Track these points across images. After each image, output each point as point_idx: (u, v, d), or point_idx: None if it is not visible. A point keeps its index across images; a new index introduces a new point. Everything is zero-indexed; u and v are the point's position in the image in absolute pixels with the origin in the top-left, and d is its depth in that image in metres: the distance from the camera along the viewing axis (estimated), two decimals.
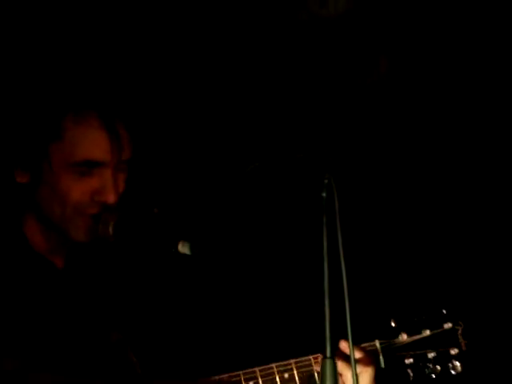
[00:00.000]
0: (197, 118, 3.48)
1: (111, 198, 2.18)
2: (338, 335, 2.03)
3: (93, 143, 2.17)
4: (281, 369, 2.48)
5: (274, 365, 2.48)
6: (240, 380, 2.42)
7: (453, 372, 2.60)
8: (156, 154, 2.28)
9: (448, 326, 2.62)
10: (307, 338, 2.17)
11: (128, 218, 2.16)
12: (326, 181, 2.03)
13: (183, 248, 2.10)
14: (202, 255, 2.10)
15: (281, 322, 3.52)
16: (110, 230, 2.16)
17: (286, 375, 2.48)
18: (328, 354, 2.00)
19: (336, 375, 2.03)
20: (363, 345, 2.57)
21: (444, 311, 2.63)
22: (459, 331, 2.61)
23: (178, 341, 2.43)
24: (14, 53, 2.27)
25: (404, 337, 2.61)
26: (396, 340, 2.61)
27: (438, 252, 3.81)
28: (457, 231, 3.81)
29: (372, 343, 2.60)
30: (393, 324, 2.61)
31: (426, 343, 2.62)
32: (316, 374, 2.48)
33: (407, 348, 2.62)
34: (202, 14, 3.50)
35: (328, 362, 2.01)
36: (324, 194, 2.03)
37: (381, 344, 2.60)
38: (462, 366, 2.59)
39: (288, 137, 3.47)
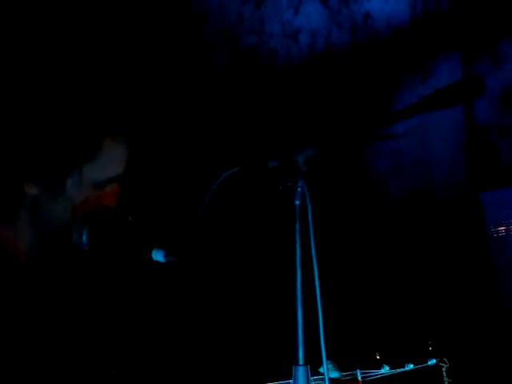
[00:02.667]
0: (171, 124, 3.51)
1: (115, 202, 2.24)
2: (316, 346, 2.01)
3: (120, 162, 2.24)
4: None
5: None
6: None
7: None
8: (131, 161, 2.31)
9: (432, 362, 2.60)
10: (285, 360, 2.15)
11: (102, 226, 2.17)
12: (299, 189, 2.04)
13: (157, 255, 2.10)
14: (177, 263, 2.10)
15: (257, 334, 3.52)
16: (84, 237, 2.17)
17: None
18: (301, 362, 2.00)
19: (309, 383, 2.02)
20: (344, 373, 2.55)
21: (430, 347, 2.61)
22: (444, 368, 2.59)
23: (150, 350, 2.42)
24: (57, 70, 2.30)
25: (386, 369, 2.59)
26: (378, 371, 2.59)
27: (431, 287, 3.83)
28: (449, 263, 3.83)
29: (353, 372, 2.58)
30: (377, 356, 2.60)
31: (409, 377, 2.59)
32: None
33: (389, 381, 2.59)
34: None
35: (301, 370, 2.01)
36: (297, 202, 2.04)
37: (362, 374, 2.59)
38: None
39: (262, 144, 3.50)
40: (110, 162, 2.23)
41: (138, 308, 2.41)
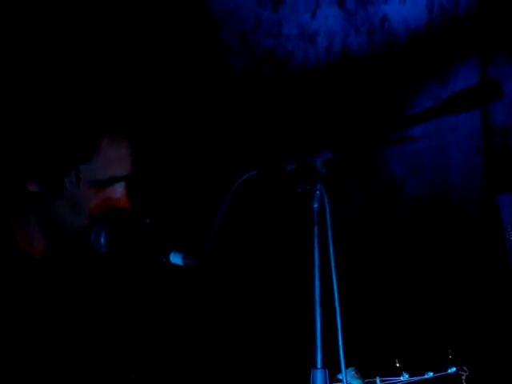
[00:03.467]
0: (188, 127, 3.52)
1: (128, 204, 2.23)
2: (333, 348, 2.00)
3: (121, 162, 2.24)
4: None
5: None
6: None
7: None
8: (149, 163, 2.32)
9: (452, 370, 2.58)
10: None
11: (120, 229, 2.17)
12: (317, 192, 2.04)
13: (175, 258, 2.10)
14: (195, 266, 2.10)
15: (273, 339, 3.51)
16: (102, 240, 2.17)
17: None
18: (319, 365, 2.00)
19: None
20: (365, 380, 2.54)
21: (450, 355, 2.59)
22: (463, 377, 2.57)
23: (167, 353, 2.42)
24: (55, 71, 2.32)
25: (406, 377, 2.58)
26: (397, 379, 2.58)
27: (448, 290, 3.82)
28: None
29: (372, 380, 2.57)
30: (397, 363, 2.58)
31: None
32: None
33: None
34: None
35: (319, 373, 2.01)
36: (316, 205, 2.03)
37: (381, 381, 2.57)
38: None
39: (280, 147, 3.51)
40: (110, 163, 2.22)
41: (155, 310, 2.41)
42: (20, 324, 2.16)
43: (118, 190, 2.25)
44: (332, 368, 2.00)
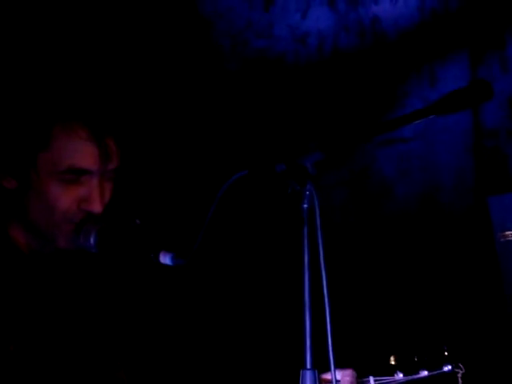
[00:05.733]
0: (178, 127, 3.52)
1: (97, 207, 2.19)
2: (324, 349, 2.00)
3: (80, 152, 2.19)
4: None
5: None
6: None
7: None
8: (139, 163, 2.30)
9: (448, 368, 2.56)
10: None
11: (110, 229, 2.16)
12: (307, 192, 2.04)
13: (164, 258, 2.10)
14: (184, 266, 2.10)
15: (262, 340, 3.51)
16: (92, 240, 2.16)
17: None
18: (308, 366, 2.00)
19: None
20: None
21: (446, 353, 2.56)
22: (459, 375, 2.55)
23: (157, 353, 2.41)
24: (3, 61, 2.30)
25: (400, 375, 2.55)
26: (391, 378, 2.56)
27: (439, 291, 3.83)
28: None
29: (366, 379, 2.55)
30: (392, 362, 2.56)
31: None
32: None
33: None
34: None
35: (308, 374, 2.00)
36: (305, 206, 2.03)
37: (375, 381, 2.55)
38: None
39: (270, 148, 3.51)
40: (66, 151, 2.17)
41: (145, 311, 2.41)
42: (9, 320, 2.16)
43: (87, 187, 2.20)
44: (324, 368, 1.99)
